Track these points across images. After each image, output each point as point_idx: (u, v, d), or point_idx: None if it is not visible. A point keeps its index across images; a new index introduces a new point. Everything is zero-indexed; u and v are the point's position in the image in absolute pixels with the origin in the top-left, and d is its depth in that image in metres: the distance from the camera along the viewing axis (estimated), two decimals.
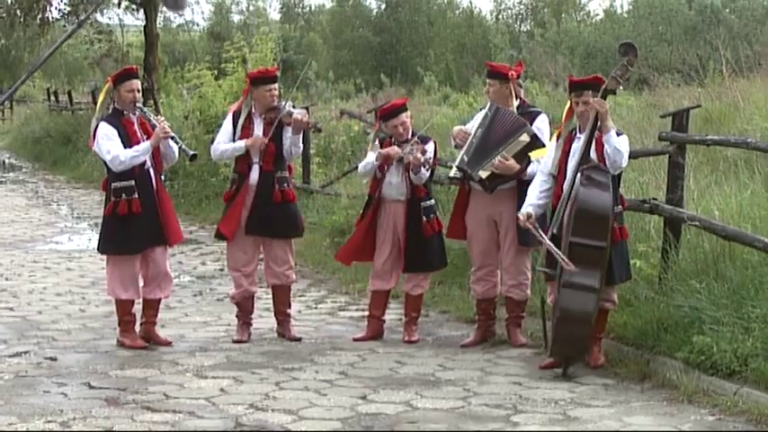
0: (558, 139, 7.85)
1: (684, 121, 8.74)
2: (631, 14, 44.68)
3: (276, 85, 8.66)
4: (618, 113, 14.79)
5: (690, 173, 9.38)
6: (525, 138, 8.15)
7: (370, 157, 8.56)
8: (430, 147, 8.53)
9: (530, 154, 8.10)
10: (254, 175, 8.55)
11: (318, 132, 10.38)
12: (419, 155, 8.32)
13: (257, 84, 8.59)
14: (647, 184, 9.99)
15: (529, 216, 7.67)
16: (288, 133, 8.58)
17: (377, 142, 8.68)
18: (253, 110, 8.64)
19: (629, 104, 17.19)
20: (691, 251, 8.44)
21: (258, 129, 8.58)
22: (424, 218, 8.52)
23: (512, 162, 8.12)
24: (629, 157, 9.08)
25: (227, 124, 8.66)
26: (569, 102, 7.85)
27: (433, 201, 8.67)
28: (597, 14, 50.71)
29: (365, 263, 8.99)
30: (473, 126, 8.47)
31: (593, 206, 7.31)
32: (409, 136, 8.52)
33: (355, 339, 8.67)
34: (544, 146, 8.05)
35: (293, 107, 8.77)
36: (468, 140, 8.31)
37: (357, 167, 9.22)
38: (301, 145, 8.82)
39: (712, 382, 6.95)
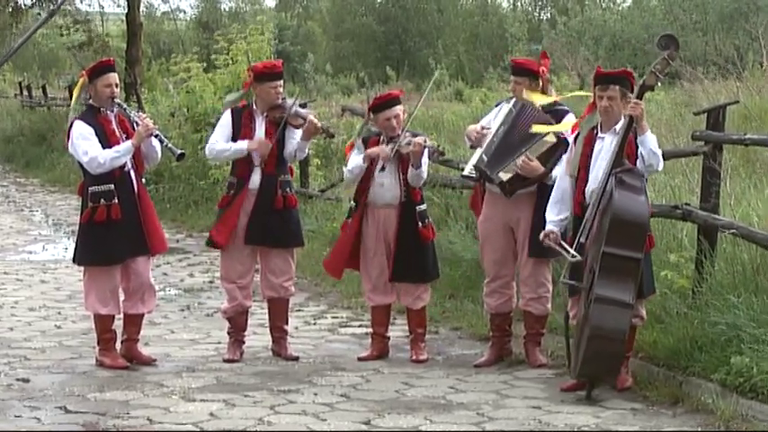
0: (575, 140, 7.85)
1: (720, 118, 8.74)
2: (662, 1, 44.68)
3: (282, 82, 8.66)
4: (647, 110, 14.78)
5: (726, 176, 9.38)
6: (551, 138, 8.14)
7: (357, 160, 8.52)
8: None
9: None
10: (256, 179, 8.54)
11: (331, 138, 10.34)
12: (420, 140, 8.27)
13: (262, 79, 8.57)
14: (679, 188, 9.99)
15: (548, 234, 7.71)
16: (292, 134, 8.58)
17: (360, 141, 8.63)
18: (254, 107, 8.63)
19: (658, 100, 17.19)
20: (727, 262, 8.43)
21: (260, 128, 8.57)
22: (420, 223, 8.51)
23: (536, 163, 8.12)
24: None
25: (225, 120, 8.64)
26: (593, 96, 7.86)
27: (425, 204, 8.65)
28: (624, 1, 50.73)
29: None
30: (489, 121, 8.47)
31: (629, 213, 7.30)
32: (400, 132, 8.49)
33: (361, 359, 8.66)
34: (568, 145, 8.07)
35: (301, 106, 8.75)
36: (489, 138, 8.30)
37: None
38: (307, 150, 8.82)
39: (752, 407, 6.94)
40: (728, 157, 9.98)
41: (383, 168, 8.37)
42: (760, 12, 35.05)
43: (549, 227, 7.80)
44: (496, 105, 8.75)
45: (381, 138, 8.54)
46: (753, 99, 14.03)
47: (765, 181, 10.44)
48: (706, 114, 8.90)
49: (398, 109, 8.53)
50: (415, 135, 8.46)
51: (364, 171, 8.48)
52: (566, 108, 8.60)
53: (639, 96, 7.53)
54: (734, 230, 8.19)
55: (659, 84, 7.68)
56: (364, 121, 8.82)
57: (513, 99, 8.45)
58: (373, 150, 8.46)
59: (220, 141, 8.60)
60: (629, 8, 46.99)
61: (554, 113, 8.35)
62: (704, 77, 16.48)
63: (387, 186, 8.48)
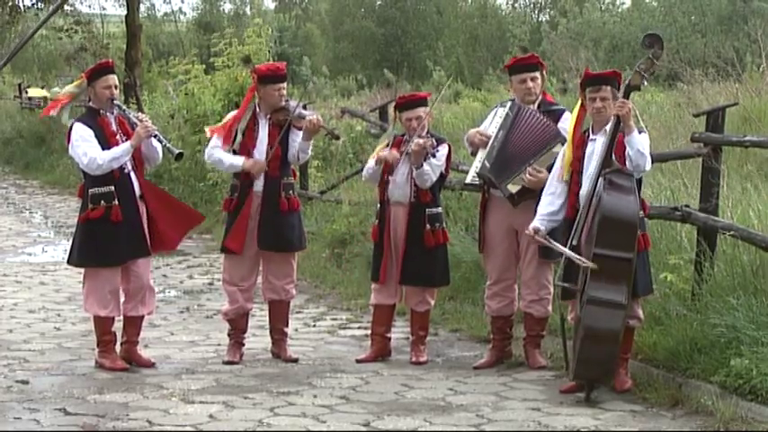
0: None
1: (720, 120, 8.73)
2: (661, 3, 44.70)
3: (285, 84, 8.66)
4: (647, 112, 14.78)
5: (725, 177, 9.37)
6: (559, 149, 8.12)
7: (372, 161, 8.58)
8: (443, 150, 8.49)
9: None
10: (260, 182, 8.53)
11: (336, 140, 10.32)
12: (421, 141, 8.28)
13: (265, 82, 8.55)
14: (678, 190, 9.98)
15: (536, 231, 7.69)
16: (296, 136, 8.57)
17: (388, 141, 8.69)
18: (258, 110, 8.62)
19: (658, 101, 17.18)
20: (727, 264, 8.43)
21: (263, 131, 8.55)
22: (428, 225, 8.51)
23: (544, 175, 8.10)
24: (659, 160, 9.11)
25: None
26: (579, 100, 7.84)
27: (440, 209, 8.65)
28: (624, 3, 50.79)
29: (368, 276, 8.98)
30: (487, 126, 8.47)
31: (618, 214, 7.30)
32: (423, 133, 8.49)
33: (359, 361, 8.66)
34: None
35: (304, 107, 8.74)
36: (489, 144, 8.30)
37: (360, 171, 9.23)
38: (310, 151, 8.81)
39: (751, 409, 6.94)
40: (728, 158, 9.97)
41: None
42: (755, 15, 35.08)
43: (535, 223, 7.74)
44: (497, 106, 8.74)
45: (405, 137, 8.56)
46: (752, 101, 14.00)
47: (765, 183, 10.42)
48: (706, 116, 8.90)
49: (421, 110, 8.52)
50: (437, 141, 8.47)
51: (380, 172, 8.51)
52: (562, 108, 8.60)
53: (626, 96, 7.53)
54: (733, 232, 8.19)
55: (644, 83, 7.67)
56: (393, 120, 8.85)
57: (510, 102, 8.46)
58: (382, 154, 8.47)
59: (220, 149, 8.57)
60: (629, 10, 47.07)
61: (551, 113, 8.35)
62: (703, 79, 16.44)
63: (398, 184, 8.50)
